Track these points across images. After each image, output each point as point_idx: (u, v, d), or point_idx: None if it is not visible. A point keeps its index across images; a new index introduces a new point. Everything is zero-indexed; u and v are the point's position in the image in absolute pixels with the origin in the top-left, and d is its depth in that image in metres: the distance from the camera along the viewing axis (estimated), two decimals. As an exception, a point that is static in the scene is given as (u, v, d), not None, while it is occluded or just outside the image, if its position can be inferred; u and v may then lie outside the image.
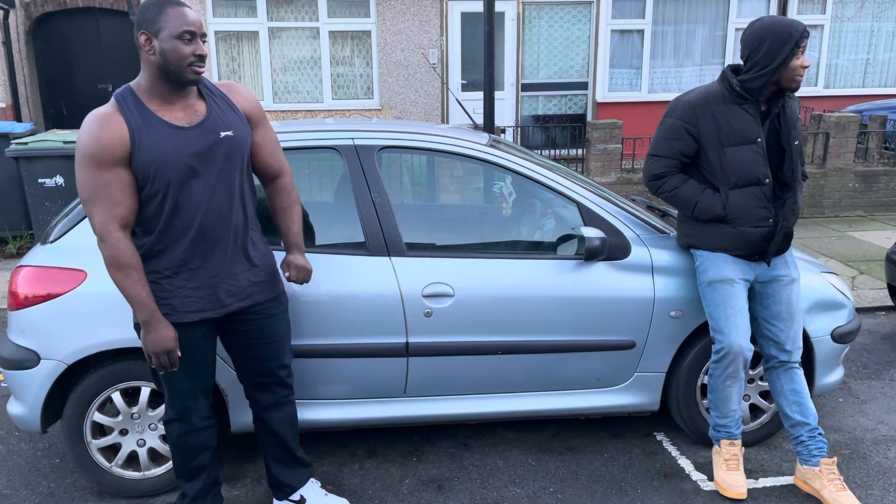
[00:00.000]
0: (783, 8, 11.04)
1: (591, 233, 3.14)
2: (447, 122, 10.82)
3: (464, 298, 3.15)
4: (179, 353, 2.51)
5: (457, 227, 3.78)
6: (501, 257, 3.24)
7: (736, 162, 3.02)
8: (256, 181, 2.98)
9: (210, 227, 2.49)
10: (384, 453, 3.52)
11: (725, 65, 3.27)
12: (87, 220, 3.03)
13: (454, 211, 4.44)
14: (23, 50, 10.10)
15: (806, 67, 2.92)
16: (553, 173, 3.37)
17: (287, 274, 2.71)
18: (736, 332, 3.06)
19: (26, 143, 6.50)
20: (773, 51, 2.87)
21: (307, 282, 2.74)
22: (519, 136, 9.56)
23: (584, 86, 11.16)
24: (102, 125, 2.33)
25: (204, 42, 2.41)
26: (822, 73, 11.56)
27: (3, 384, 4.28)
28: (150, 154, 2.36)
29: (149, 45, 2.35)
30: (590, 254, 3.14)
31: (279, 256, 3.00)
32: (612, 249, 3.23)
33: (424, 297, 3.13)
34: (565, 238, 3.34)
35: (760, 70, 2.91)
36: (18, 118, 10.11)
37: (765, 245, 3.10)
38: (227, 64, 10.49)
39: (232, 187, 2.53)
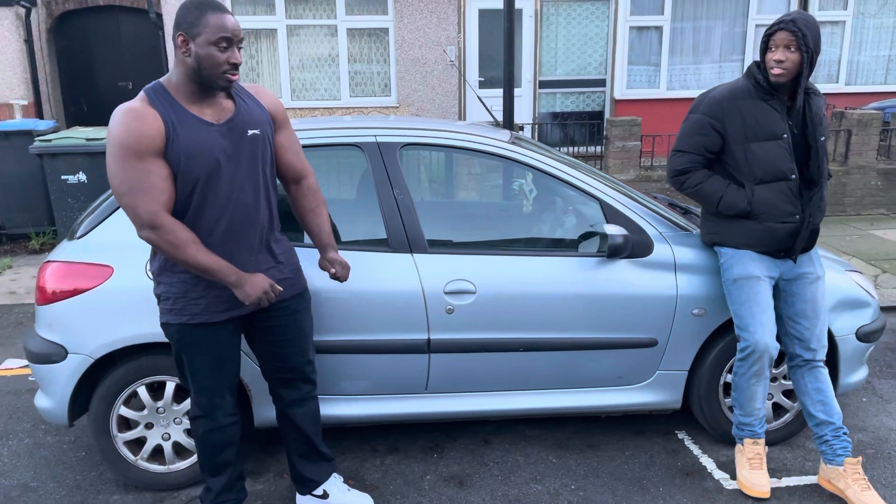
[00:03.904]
0: (804, 4, 10.93)
1: (613, 230, 3.13)
2: (464, 119, 10.81)
3: (485, 295, 3.15)
4: (278, 287, 2.53)
5: (478, 224, 3.78)
6: (523, 254, 3.24)
7: (762, 157, 3.02)
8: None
9: (237, 224, 2.50)
10: (406, 449, 3.53)
11: (745, 62, 3.27)
12: (114, 216, 3.07)
13: (476, 208, 4.44)
14: (44, 48, 10.20)
15: (779, 62, 2.94)
16: (575, 170, 3.37)
17: (332, 271, 2.73)
18: (761, 329, 3.05)
19: (49, 141, 6.58)
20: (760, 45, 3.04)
21: (347, 278, 2.75)
22: (537, 134, 9.53)
23: (601, 83, 11.10)
24: (138, 116, 2.33)
25: (240, 49, 2.40)
26: (843, 70, 11.42)
27: (30, 378, 4.34)
28: (182, 147, 2.37)
29: (185, 46, 2.35)
30: (612, 251, 3.13)
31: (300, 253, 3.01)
32: (635, 247, 3.22)
33: (446, 293, 3.13)
34: (587, 235, 3.33)
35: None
36: (40, 115, 10.21)
37: (791, 241, 3.08)
38: (245, 61, 10.52)
39: (258, 185, 2.54)
